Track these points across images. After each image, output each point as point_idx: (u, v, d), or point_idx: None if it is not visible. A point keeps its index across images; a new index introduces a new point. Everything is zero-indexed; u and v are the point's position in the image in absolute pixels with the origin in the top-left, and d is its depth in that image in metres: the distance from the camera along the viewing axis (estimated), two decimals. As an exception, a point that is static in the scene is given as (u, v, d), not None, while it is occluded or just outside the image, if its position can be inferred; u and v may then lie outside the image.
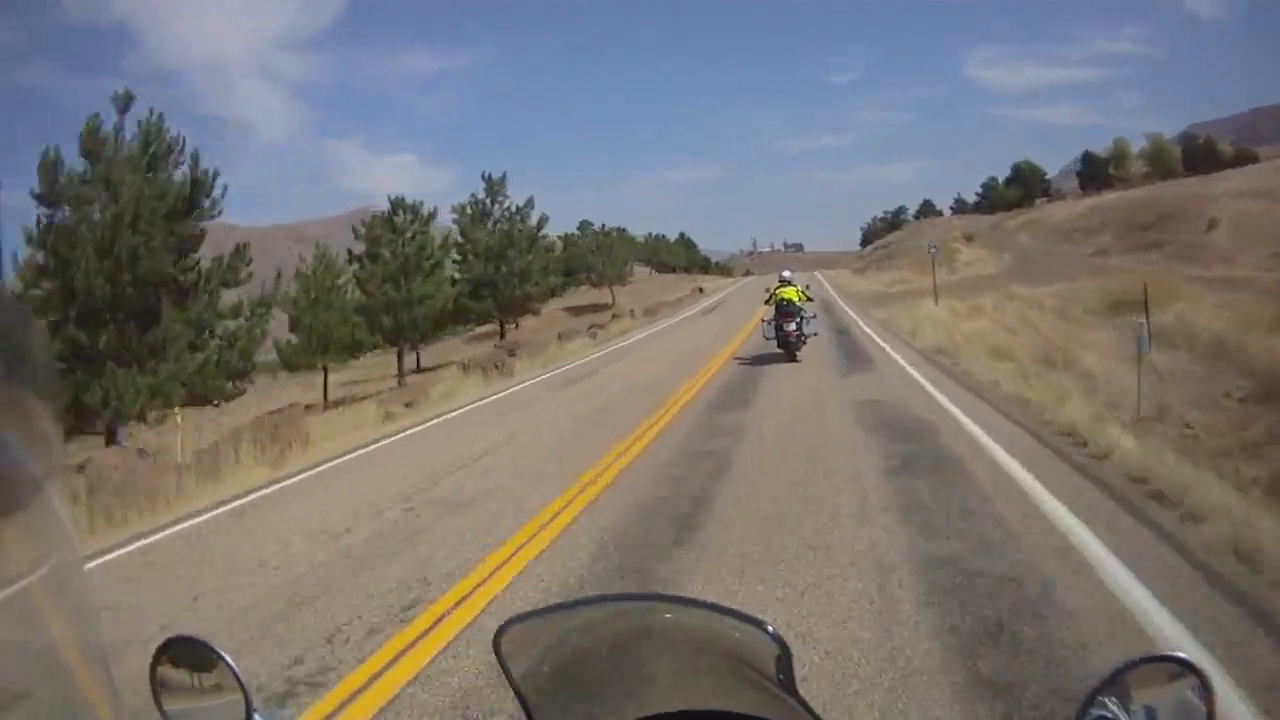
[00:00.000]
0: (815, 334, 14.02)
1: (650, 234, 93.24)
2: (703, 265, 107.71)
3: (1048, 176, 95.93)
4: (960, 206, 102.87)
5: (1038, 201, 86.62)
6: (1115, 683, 0.83)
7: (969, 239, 65.41)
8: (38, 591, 0.66)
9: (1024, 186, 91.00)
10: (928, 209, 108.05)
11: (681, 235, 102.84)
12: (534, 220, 36.06)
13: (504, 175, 35.54)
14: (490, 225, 34.81)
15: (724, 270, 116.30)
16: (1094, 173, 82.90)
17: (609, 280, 54.05)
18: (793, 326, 12.98)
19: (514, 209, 35.61)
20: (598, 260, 54.14)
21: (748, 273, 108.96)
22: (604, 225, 62.28)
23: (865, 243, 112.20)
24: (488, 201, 35.08)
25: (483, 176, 35.18)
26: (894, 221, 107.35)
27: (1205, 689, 0.79)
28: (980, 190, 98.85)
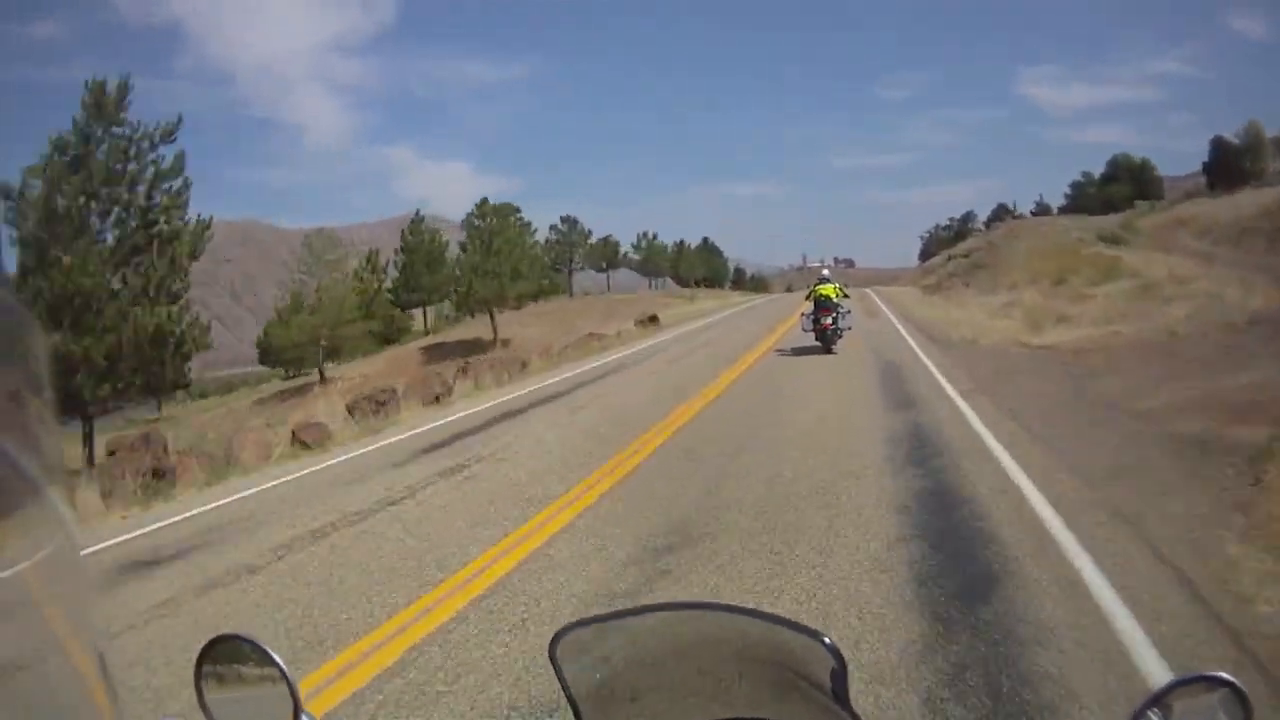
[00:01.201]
0: (850, 328, 15.13)
1: (675, 242, 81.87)
2: (735, 279, 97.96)
3: (1158, 173, 72.72)
4: (1042, 209, 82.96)
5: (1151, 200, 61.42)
6: (1160, 700, 0.83)
7: (1113, 241, 51.57)
8: (34, 581, 0.63)
9: (1134, 184, 69.46)
10: (1002, 212, 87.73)
11: (705, 241, 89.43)
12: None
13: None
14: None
15: (759, 285, 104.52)
16: (1224, 164, 58.93)
17: (488, 302, 35.89)
18: (829, 320, 14.21)
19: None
20: (479, 267, 35.36)
21: (788, 288, 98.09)
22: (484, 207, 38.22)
23: (925, 255, 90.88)
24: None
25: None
26: (961, 229, 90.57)
27: (1246, 711, 0.80)
28: (1070, 190, 78.84)
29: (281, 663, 0.94)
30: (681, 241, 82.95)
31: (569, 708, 0.93)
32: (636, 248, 73.08)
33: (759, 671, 0.96)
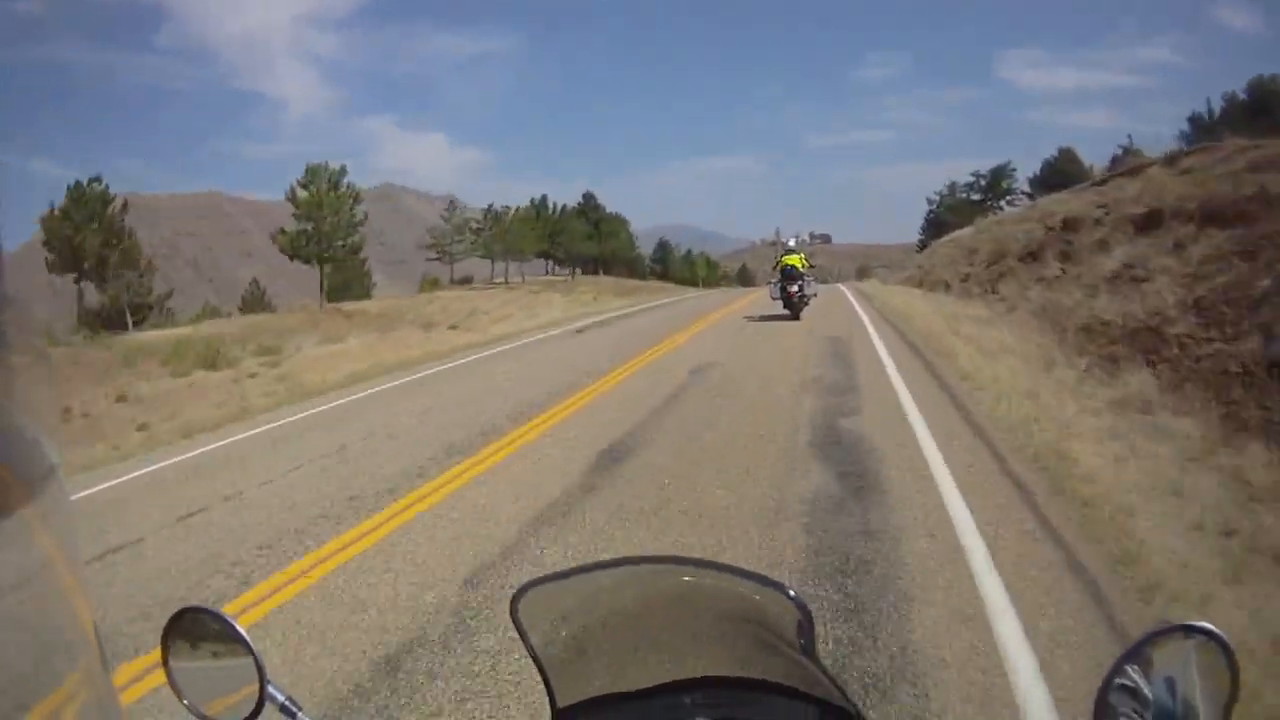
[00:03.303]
0: (815, 294, 15.66)
1: (549, 204, 57.58)
2: (659, 260, 75.55)
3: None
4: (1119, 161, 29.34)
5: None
6: (1139, 652, 0.81)
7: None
8: (26, 539, 0.63)
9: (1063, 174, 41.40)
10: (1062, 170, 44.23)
11: (587, 202, 61.97)
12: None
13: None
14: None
15: (711, 272, 79.57)
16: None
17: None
18: (795, 289, 14.71)
19: None
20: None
21: (723, 278, 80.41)
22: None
23: (932, 228, 55.77)
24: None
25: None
26: (991, 183, 56.87)
27: (1229, 659, 0.78)
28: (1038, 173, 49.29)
29: (246, 635, 0.93)
30: (558, 206, 57.89)
31: (534, 666, 0.91)
32: (480, 226, 51.33)
33: (725, 626, 0.96)
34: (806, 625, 0.88)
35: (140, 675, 2.89)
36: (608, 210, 65.07)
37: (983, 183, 58.49)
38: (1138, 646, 0.81)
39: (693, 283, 66.69)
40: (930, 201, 61.39)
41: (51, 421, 0.76)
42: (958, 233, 31.82)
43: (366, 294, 42.43)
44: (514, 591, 0.91)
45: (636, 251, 71.36)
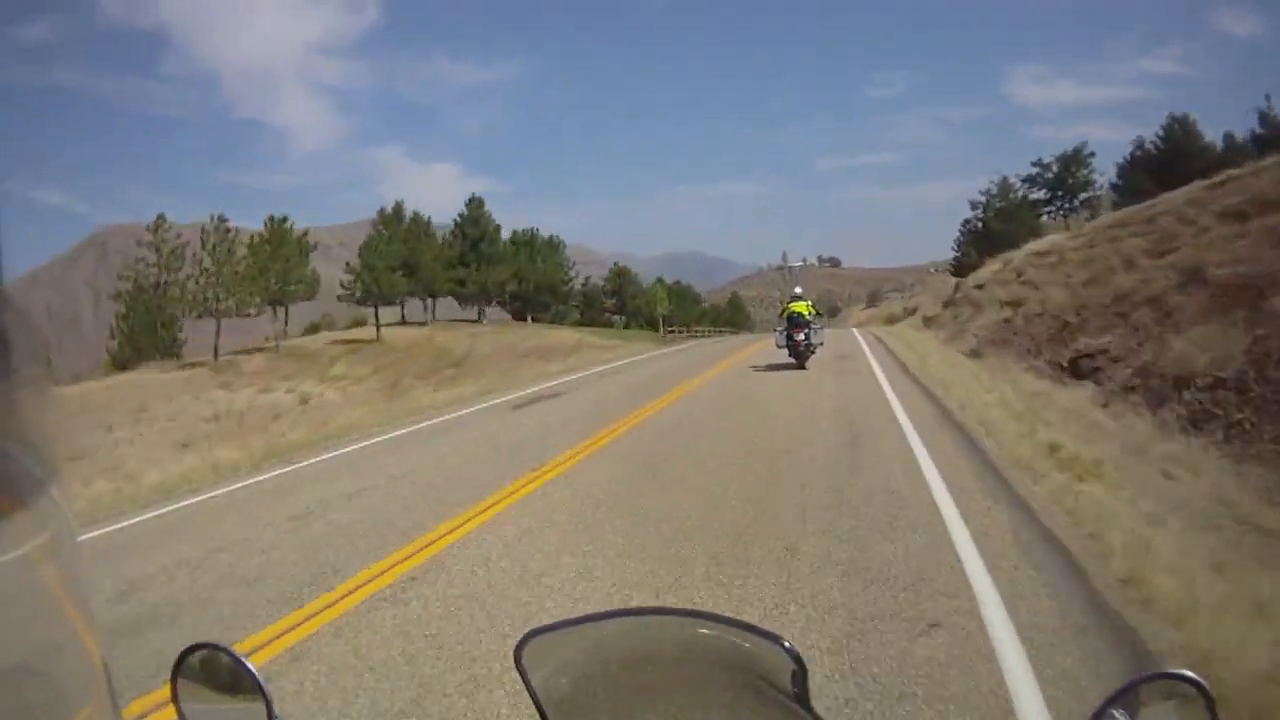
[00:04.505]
0: (823, 343, 15.39)
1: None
2: (610, 301, 60.23)
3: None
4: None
5: None
6: (1124, 697, 0.84)
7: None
8: (35, 576, 0.64)
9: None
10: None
11: (475, 208, 48.56)
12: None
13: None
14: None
15: (689, 307, 64.35)
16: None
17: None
18: (801, 337, 14.48)
19: None
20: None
21: (702, 316, 65.20)
22: None
23: (970, 243, 43.03)
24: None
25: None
26: (1062, 174, 41.49)
27: (1210, 708, 0.80)
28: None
29: (256, 672, 0.97)
30: (426, 221, 45.72)
31: (536, 713, 0.93)
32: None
33: (722, 676, 0.98)
34: (800, 676, 0.89)
35: (149, 711, 2.90)
36: (539, 231, 51.83)
37: (1050, 174, 41.63)
38: (1122, 692, 0.85)
39: (651, 326, 50.95)
40: (974, 206, 45.29)
41: (54, 457, 0.74)
42: (1035, 243, 22.91)
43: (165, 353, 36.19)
44: (519, 639, 0.94)
45: (570, 281, 55.59)
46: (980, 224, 43.73)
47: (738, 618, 0.96)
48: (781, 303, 15.85)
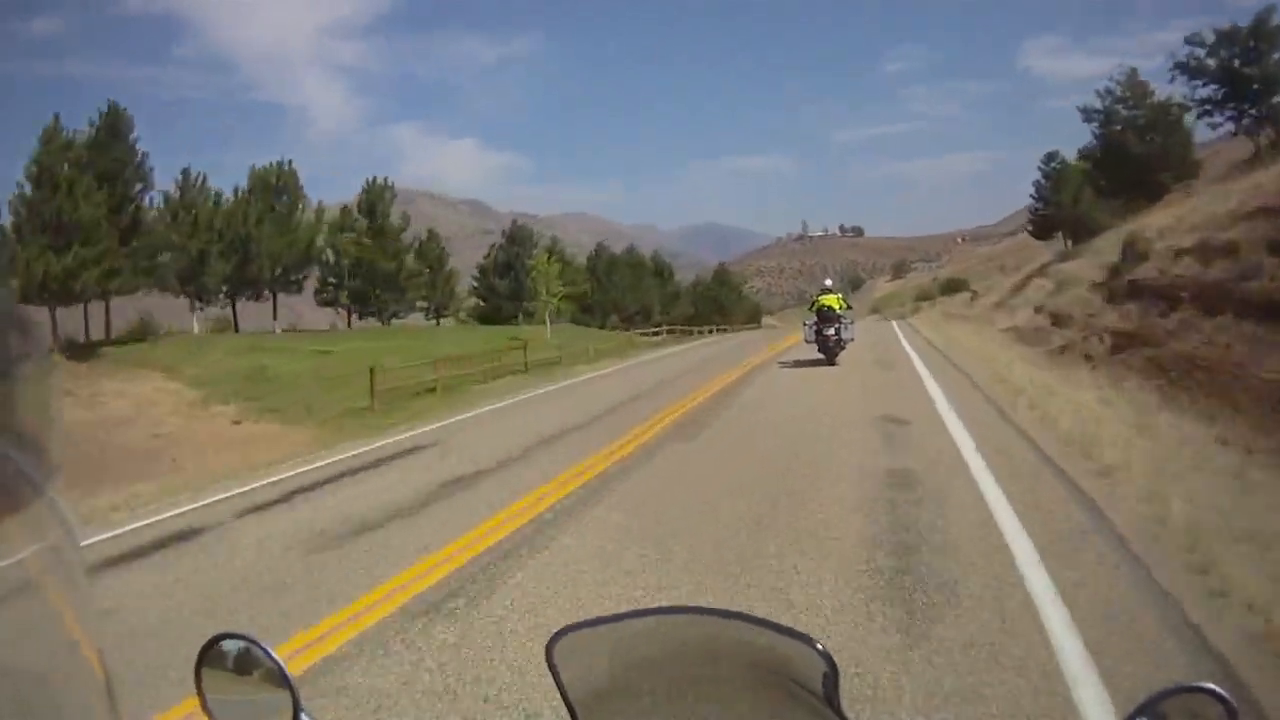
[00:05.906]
0: (853, 339, 15.00)
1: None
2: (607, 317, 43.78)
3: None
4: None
5: None
6: (1146, 711, 0.84)
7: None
8: (35, 586, 0.65)
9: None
10: None
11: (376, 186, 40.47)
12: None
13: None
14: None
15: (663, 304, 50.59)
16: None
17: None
18: (832, 331, 14.08)
19: None
20: None
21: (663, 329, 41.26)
22: None
23: (1111, 167, 27.83)
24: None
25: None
26: (1246, 50, 24.06)
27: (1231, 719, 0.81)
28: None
29: (281, 662, 0.97)
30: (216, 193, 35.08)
31: (566, 710, 0.94)
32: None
33: (753, 676, 0.97)
34: (831, 678, 0.88)
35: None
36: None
37: (1223, 57, 25.72)
38: (1146, 705, 0.84)
39: (626, 322, 38.56)
40: (1084, 112, 29.77)
41: (57, 466, 0.73)
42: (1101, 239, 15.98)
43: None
44: (550, 635, 0.95)
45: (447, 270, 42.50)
46: (1101, 136, 29.03)
47: (769, 619, 0.96)
48: (810, 299, 15.41)
